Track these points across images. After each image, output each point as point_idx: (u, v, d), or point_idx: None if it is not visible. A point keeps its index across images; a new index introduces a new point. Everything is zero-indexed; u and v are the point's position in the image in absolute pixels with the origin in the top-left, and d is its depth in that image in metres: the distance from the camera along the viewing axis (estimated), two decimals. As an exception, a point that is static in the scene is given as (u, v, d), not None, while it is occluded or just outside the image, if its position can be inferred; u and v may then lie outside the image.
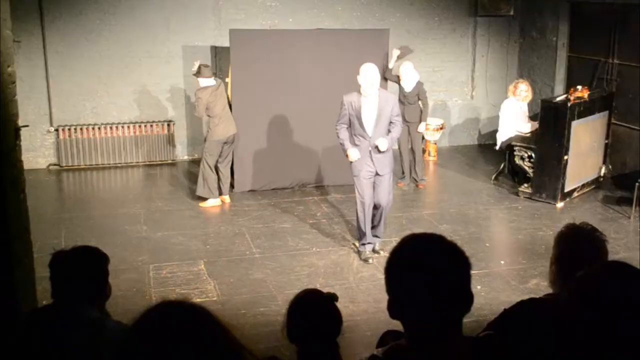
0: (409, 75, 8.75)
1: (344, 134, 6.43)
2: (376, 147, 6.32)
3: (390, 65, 8.97)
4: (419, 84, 8.85)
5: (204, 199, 8.12)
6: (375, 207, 6.58)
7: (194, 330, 1.40)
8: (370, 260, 6.58)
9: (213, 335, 1.42)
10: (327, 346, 2.70)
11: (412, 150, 9.02)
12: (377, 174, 6.43)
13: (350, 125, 6.41)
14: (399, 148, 8.92)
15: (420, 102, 8.91)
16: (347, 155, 6.45)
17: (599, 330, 1.66)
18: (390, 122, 6.40)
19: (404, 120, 8.80)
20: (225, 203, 8.23)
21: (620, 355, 1.64)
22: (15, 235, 4.06)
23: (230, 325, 1.47)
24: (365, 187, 6.45)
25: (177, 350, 1.36)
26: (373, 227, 6.71)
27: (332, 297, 2.79)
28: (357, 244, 6.86)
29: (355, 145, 6.39)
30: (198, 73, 7.91)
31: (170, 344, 1.37)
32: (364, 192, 6.46)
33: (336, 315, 2.74)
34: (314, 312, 2.71)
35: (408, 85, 8.76)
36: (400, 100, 8.72)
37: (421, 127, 9.10)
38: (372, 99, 6.30)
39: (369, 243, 6.66)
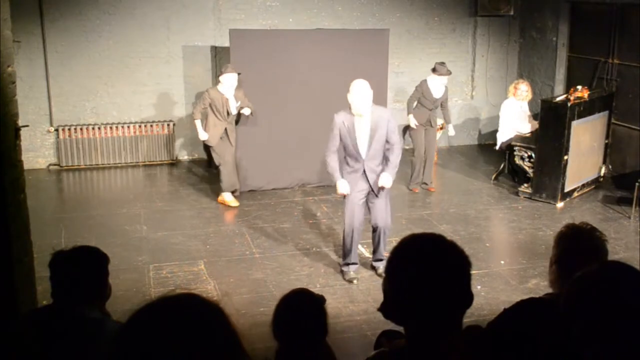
0: (442, 84, 8.59)
1: (334, 163, 5.89)
2: (381, 187, 5.84)
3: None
4: (446, 88, 8.77)
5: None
6: (374, 230, 6.15)
7: (205, 327, 1.32)
8: (355, 282, 6.13)
9: (223, 333, 1.35)
10: (309, 347, 2.69)
11: (429, 155, 8.81)
12: (371, 192, 5.95)
13: (342, 147, 5.91)
14: (414, 153, 8.81)
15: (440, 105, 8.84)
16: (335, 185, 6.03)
17: (598, 330, 1.66)
18: (387, 143, 5.84)
19: (430, 125, 8.70)
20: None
21: (619, 356, 1.64)
22: (15, 235, 4.06)
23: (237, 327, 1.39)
24: (355, 210, 5.96)
25: (183, 344, 1.27)
26: (373, 252, 6.31)
27: (321, 300, 2.78)
28: (340, 263, 6.41)
29: (349, 166, 5.92)
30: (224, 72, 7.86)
31: (178, 337, 1.28)
32: (353, 215, 5.96)
33: (322, 318, 2.72)
34: (299, 311, 2.71)
35: (438, 92, 8.61)
36: (424, 106, 8.59)
37: (451, 130, 9.11)
38: (364, 118, 5.75)
39: (353, 263, 6.19)
